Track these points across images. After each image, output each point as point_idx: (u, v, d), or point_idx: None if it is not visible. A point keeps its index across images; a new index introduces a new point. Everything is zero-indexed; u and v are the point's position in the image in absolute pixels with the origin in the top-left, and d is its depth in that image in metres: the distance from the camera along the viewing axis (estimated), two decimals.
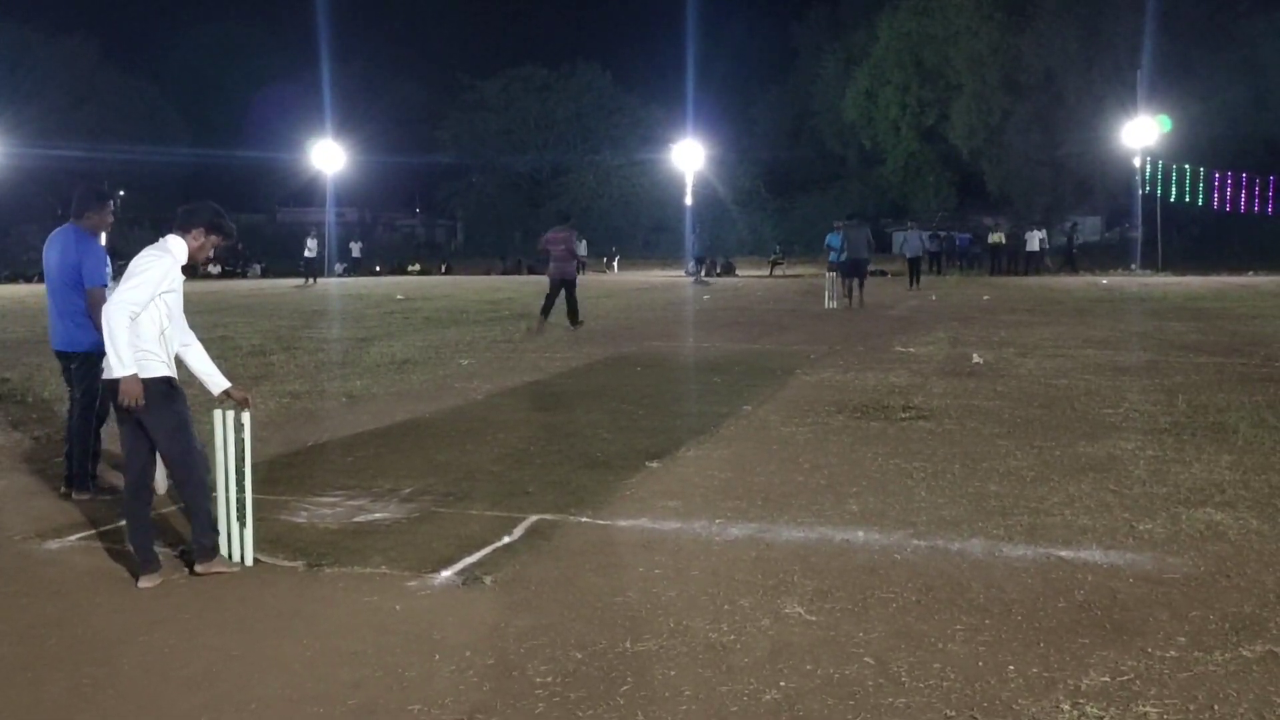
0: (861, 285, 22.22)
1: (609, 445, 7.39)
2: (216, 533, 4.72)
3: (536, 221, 61.43)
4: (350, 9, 71.81)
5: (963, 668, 3.60)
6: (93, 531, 5.38)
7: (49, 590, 4.54)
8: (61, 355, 6.14)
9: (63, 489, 6.12)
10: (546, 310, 16.35)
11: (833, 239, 23.69)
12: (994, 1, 52.02)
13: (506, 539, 5.14)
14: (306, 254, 37.85)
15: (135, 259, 4.64)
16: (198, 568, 4.66)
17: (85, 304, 5.85)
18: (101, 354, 5.60)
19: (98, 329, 5.54)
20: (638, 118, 66.20)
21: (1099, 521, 5.30)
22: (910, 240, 31.05)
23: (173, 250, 4.71)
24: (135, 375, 4.47)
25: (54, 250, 6.04)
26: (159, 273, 4.57)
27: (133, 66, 62.06)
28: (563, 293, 16.48)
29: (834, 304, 21.37)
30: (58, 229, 6.14)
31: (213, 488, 4.77)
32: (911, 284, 28.38)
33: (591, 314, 19.97)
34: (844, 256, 22.45)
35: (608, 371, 11.58)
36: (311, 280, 36.57)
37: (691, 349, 14.12)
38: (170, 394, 4.59)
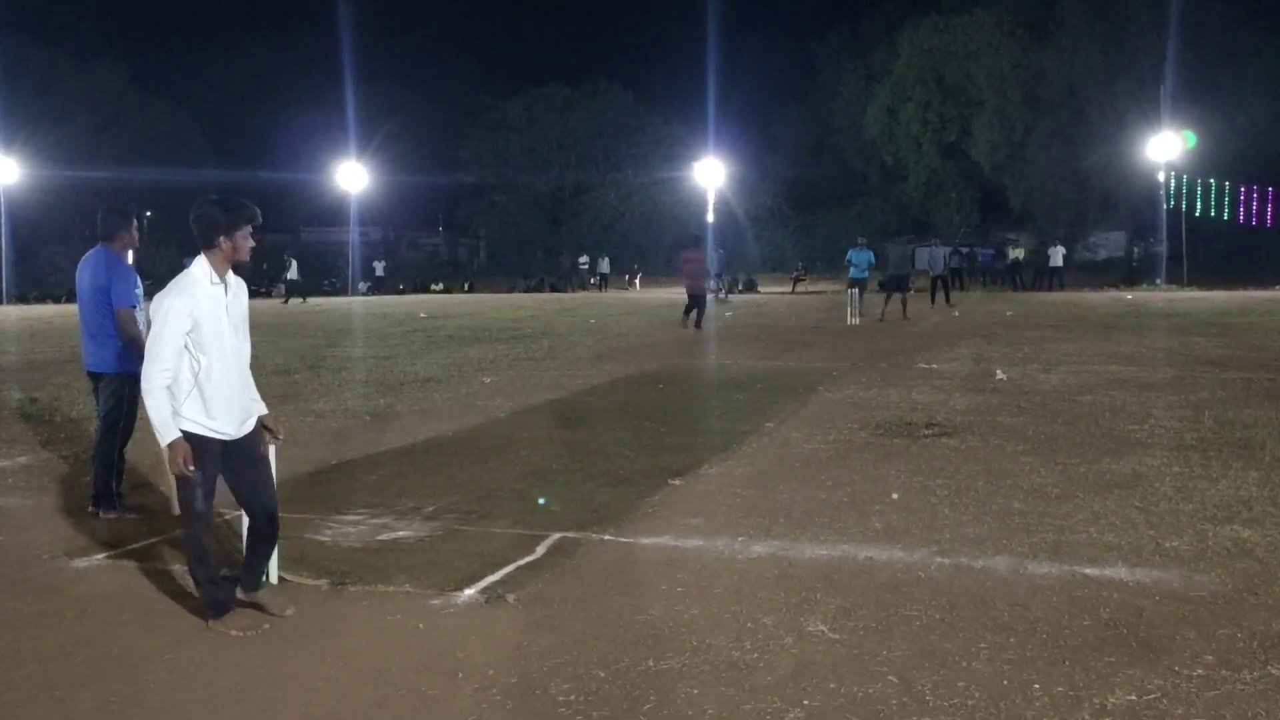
0: (904, 299, 23.17)
1: (631, 463, 7.40)
2: (214, 586, 4.32)
3: (559, 240, 61.72)
4: (374, 31, 72.46)
5: (987, 686, 3.58)
6: (120, 550, 5.42)
7: (77, 609, 4.58)
8: (91, 375, 6.21)
9: (90, 508, 6.18)
10: (688, 313, 20.32)
11: (854, 255, 23.84)
12: (1015, 18, 52.00)
13: (529, 557, 5.15)
14: (289, 276, 38.93)
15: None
16: (209, 624, 4.29)
17: (113, 325, 5.92)
18: (128, 375, 5.66)
19: (132, 349, 5.69)
20: (659, 136, 66.37)
21: (1124, 539, 5.27)
22: (935, 256, 30.90)
23: (193, 277, 4.27)
24: (176, 440, 4.09)
25: (85, 272, 6.10)
26: (172, 320, 4.12)
27: (160, 90, 62.79)
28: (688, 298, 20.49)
29: (856, 320, 21.33)
30: (89, 252, 6.20)
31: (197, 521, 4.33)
32: (934, 300, 28.23)
33: (614, 331, 20.04)
34: (888, 272, 23.19)
35: (630, 389, 11.59)
36: (301, 299, 37.26)
37: (714, 366, 14.12)
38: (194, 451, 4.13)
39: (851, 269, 23.67)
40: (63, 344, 18.62)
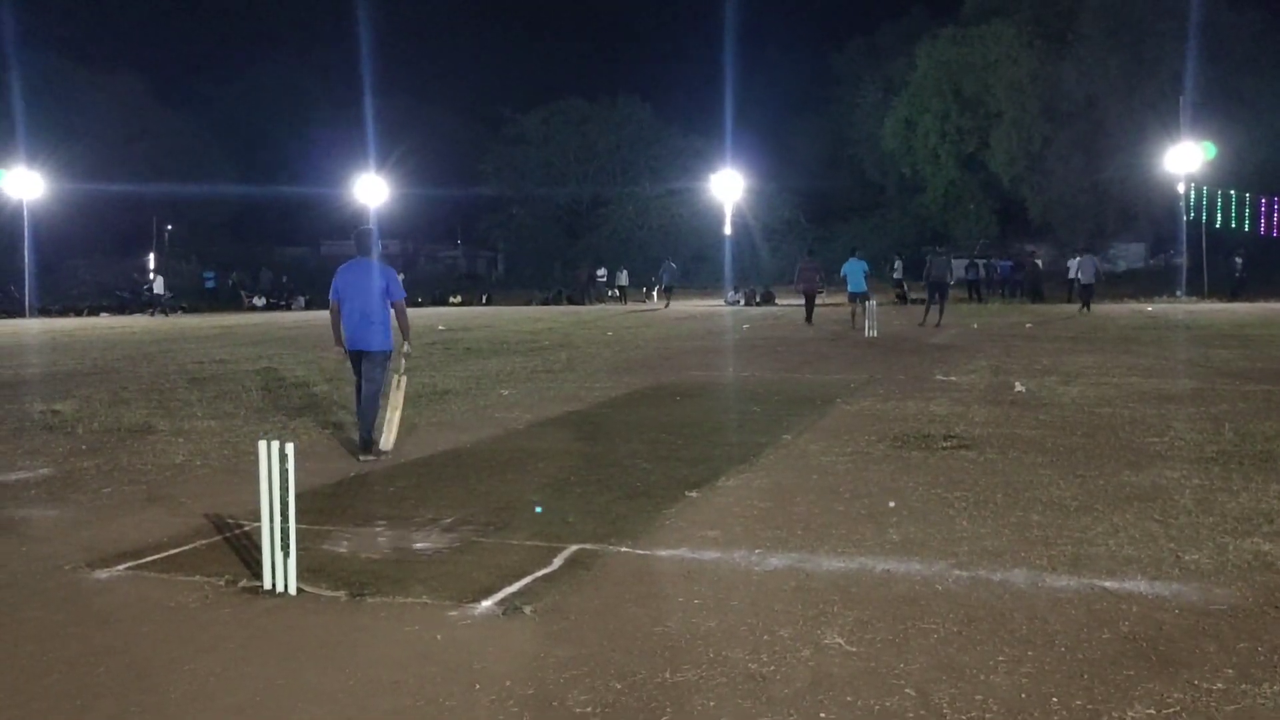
0: (942, 307, 24.67)
1: (648, 475, 7.40)
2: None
3: (576, 253, 61.80)
4: (392, 46, 72.87)
5: (1005, 700, 3.57)
6: (141, 561, 5.46)
7: (97, 619, 4.61)
8: (361, 354, 8.25)
9: (360, 456, 8.11)
10: (809, 313, 26.20)
11: (849, 267, 24.22)
12: (1034, 29, 51.88)
13: (546, 569, 5.16)
14: (155, 290, 41.48)
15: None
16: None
17: (390, 312, 8.30)
18: (390, 351, 8.40)
19: (404, 330, 8.44)
20: (677, 149, 66.41)
21: (1144, 552, 5.24)
22: (1085, 265, 31.66)
23: None
24: None
25: (358, 277, 8.29)
26: None
27: (181, 105, 63.33)
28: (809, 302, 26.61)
29: (874, 333, 21.30)
30: (353, 261, 8.44)
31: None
32: (1087, 307, 28.44)
33: (631, 344, 20.07)
34: (930, 279, 25.17)
35: (647, 401, 11.60)
36: (162, 314, 39.01)
37: (730, 378, 14.11)
38: None
39: (848, 281, 24.14)
40: (84, 356, 18.76)
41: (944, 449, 8.14)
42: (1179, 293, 38.90)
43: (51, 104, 51.89)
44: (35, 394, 12.89)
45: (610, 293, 49.02)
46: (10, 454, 8.74)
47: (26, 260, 40.62)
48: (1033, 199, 52.35)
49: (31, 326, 31.48)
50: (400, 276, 8.31)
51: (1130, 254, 54.12)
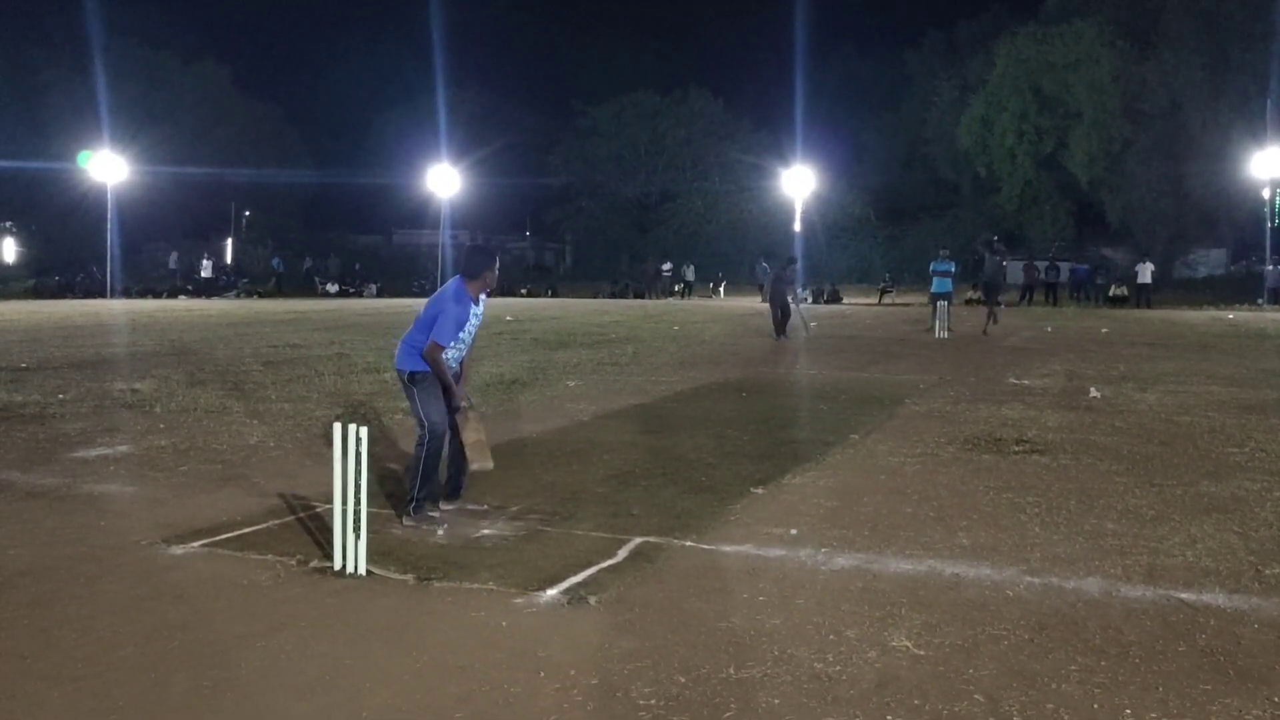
0: (994, 309, 23.75)
1: (714, 470, 7.39)
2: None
3: (644, 246, 61.81)
4: (467, 37, 73.40)
5: (1078, 710, 3.50)
6: (215, 539, 5.56)
7: (172, 594, 4.71)
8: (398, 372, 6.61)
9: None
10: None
11: (938, 265, 23.42)
12: (1116, 29, 50.73)
13: (611, 560, 5.17)
14: (203, 274, 42.13)
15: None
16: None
17: (417, 333, 6.19)
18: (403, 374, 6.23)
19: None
20: (747, 144, 66.03)
21: (1222, 564, 5.11)
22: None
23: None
24: None
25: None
26: None
27: (260, 92, 64.39)
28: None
29: (944, 334, 21.02)
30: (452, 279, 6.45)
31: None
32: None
33: (698, 339, 20.04)
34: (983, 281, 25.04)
35: (713, 396, 11.57)
36: (215, 296, 39.69)
37: (797, 376, 14.02)
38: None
39: (934, 279, 23.22)
40: (162, 337, 19.19)
41: (1016, 453, 8.01)
42: (1261, 301, 37.81)
43: (135, 90, 52.98)
44: (116, 373, 13.21)
45: (676, 288, 48.92)
46: (91, 431, 8.97)
47: (109, 242, 41.54)
48: (1111, 201, 51.22)
49: (113, 307, 32.23)
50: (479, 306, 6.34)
51: (1211, 260, 52.77)
